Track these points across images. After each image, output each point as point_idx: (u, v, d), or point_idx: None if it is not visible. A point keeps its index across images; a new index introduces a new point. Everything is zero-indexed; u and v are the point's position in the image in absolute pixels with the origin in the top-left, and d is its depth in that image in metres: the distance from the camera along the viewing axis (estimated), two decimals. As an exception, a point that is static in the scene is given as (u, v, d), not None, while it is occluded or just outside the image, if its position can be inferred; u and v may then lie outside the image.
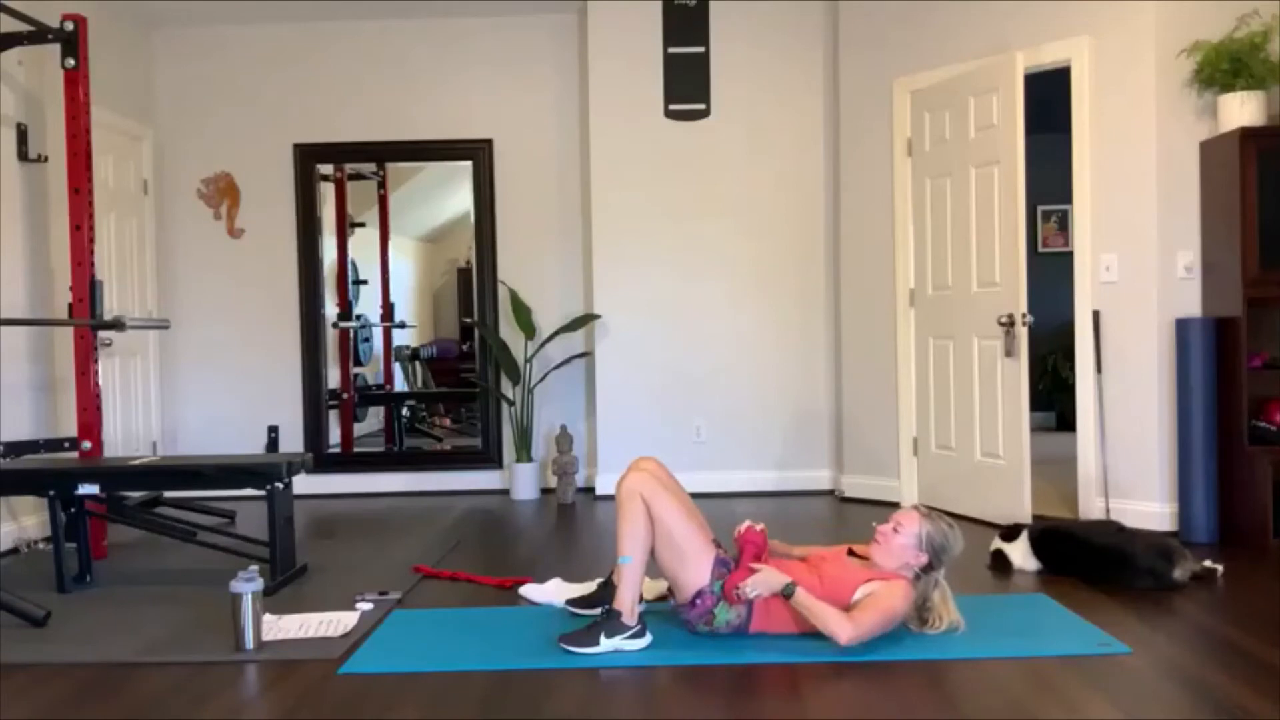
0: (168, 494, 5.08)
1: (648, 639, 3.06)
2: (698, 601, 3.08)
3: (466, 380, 6.53)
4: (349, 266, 6.48)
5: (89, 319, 4.54)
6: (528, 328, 6.02)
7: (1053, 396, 8.63)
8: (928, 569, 3.09)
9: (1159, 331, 4.59)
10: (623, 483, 3.11)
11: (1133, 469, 4.68)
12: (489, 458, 6.31)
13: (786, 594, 2.99)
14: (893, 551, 3.08)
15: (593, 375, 6.05)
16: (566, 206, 6.27)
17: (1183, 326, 4.46)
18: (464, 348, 6.65)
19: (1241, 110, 4.31)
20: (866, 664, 2.88)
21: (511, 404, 6.09)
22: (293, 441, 6.27)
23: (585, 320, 5.96)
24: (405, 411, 6.77)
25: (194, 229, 6.31)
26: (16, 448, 4.38)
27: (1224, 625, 3.20)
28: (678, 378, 5.96)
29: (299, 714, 2.61)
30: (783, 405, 5.96)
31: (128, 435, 5.82)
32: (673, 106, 5.93)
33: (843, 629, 2.92)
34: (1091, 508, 4.76)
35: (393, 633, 3.27)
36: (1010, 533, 4.03)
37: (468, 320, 6.48)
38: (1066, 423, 8.02)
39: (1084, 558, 3.79)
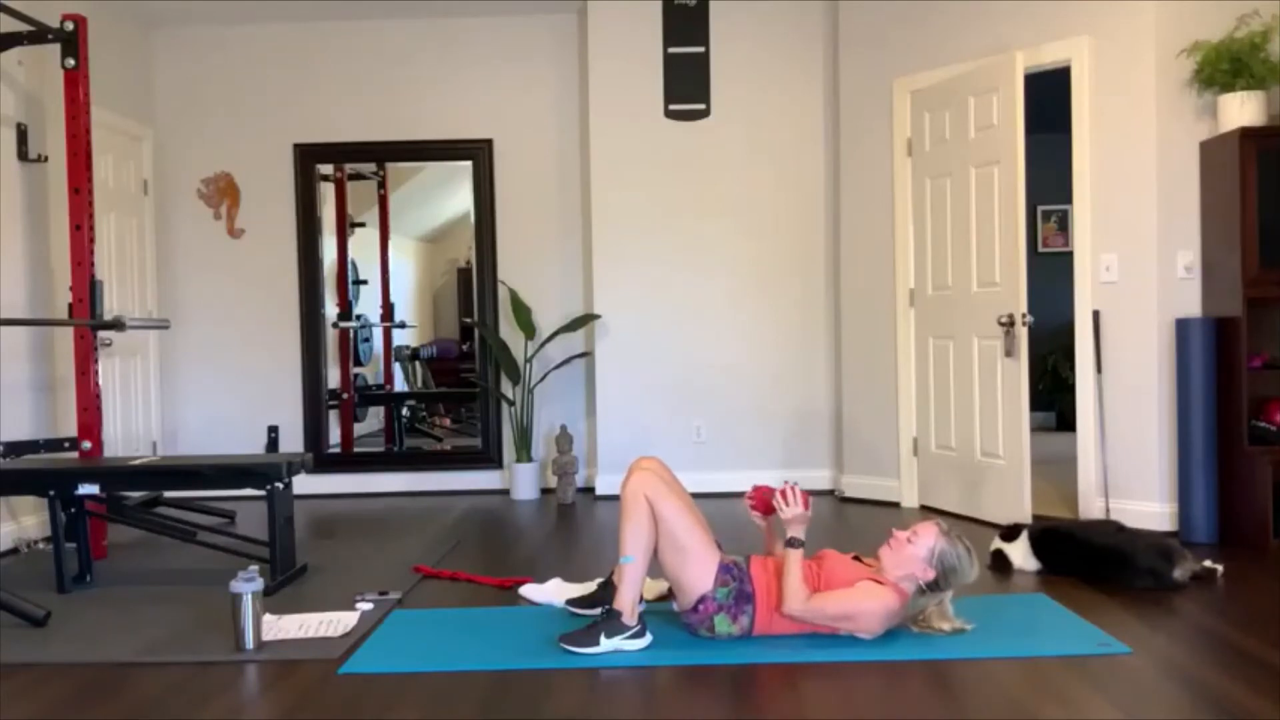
0: (167, 494, 5.08)
1: (648, 639, 3.06)
2: (700, 607, 3.08)
3: (466, 380, 6.53)
4: (349, 266, 6.48)
5: (89, 319, 4.54)
6: (528, 328, 6.02)
7: (1053, 396, 8.63)
8: (934, 587, 3.05)
9: (1159, 331, 4.59)
10: (627, 482, 3.11)
11: (1133, 469, 4.68)
12: (489, 458, 6.31)
13: (791, 544, 3.04)
14: (902, 559, 3.05)
15: (593, 375, 6.06)
16: (566, 206, 6.27)
17: (1183, 326, 4.46)
18: (464, 348, 6.65)
19: (1241, 110, 4.31)
20: (867, 664, 2.88)
21: (511, 404, 6.09)
22: (293, 441, 6.27)
23: (585, 320, 5.96)
24: (405, 411, 6.78)
25: (194, 229, 6.31)
26: (16, 448, 4.38)
27: (1224, 625, 3.20)
28: (678, 378, 5.96)
29: (299, 714, 2.61)
30: (783, 405, 5.96)
31: (128, 435, 5.82)
32: (673, 106, 5.93)
33: (794, 599, 3.00)
34: (1091, 508, 4.76)
35: (393, 633, 3.27)
36: (1010, 533, 4.03)
37: (468, 320, 6.48)
38: (1066, 423, 8.02)
39: (1084, 558, 3.79)
